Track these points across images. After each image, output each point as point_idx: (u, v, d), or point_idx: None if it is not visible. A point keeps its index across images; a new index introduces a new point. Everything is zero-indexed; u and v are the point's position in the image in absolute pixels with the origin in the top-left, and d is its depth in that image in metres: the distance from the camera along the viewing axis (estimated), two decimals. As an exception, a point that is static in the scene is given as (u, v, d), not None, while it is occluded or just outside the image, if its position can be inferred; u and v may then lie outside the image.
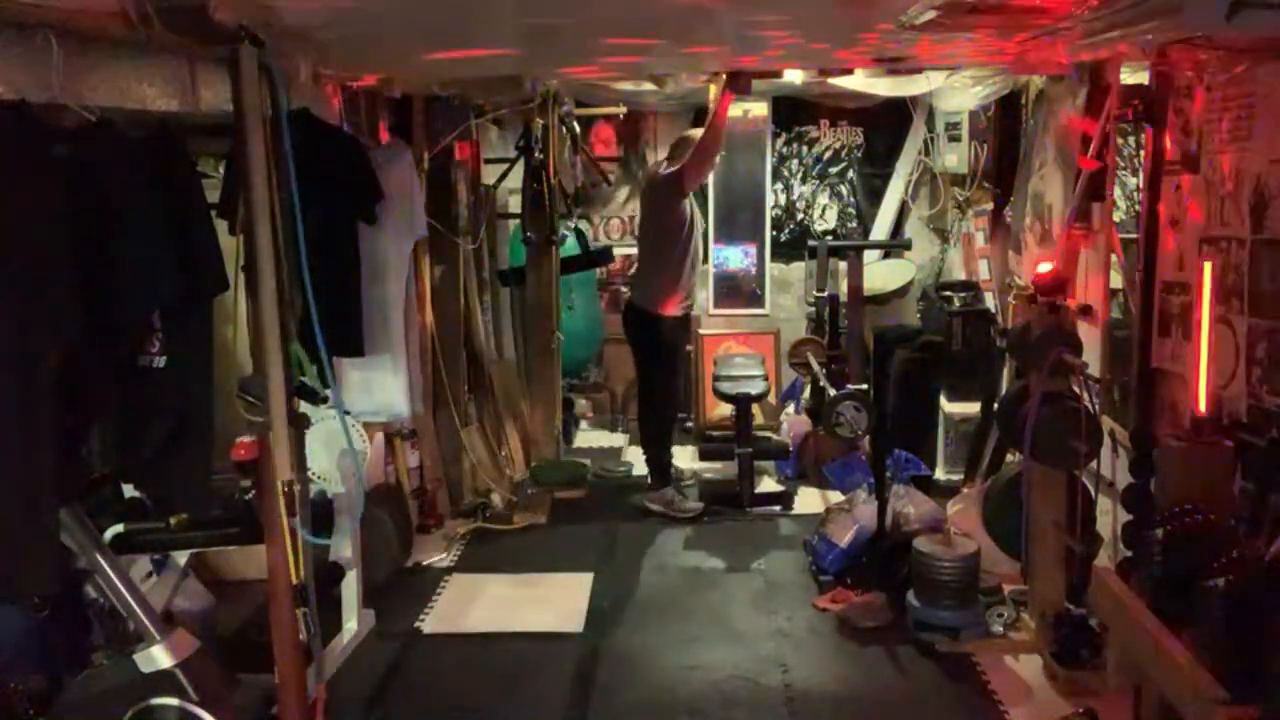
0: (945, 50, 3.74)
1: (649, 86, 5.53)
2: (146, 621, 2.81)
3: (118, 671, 2.82)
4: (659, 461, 5.44)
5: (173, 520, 3.25)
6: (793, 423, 5.97)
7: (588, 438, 6.78)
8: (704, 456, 6.05)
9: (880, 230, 6.93)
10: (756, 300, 7.08)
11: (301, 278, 2.73)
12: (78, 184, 2.34)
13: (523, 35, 3.24)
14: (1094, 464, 3.64)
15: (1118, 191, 4.02)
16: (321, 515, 3.59)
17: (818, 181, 7.06)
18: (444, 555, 4.85)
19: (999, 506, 3.92)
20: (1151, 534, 2.81)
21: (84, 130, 2.42)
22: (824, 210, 7.10)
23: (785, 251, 7.08)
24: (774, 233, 7.04)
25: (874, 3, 2.66)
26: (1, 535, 2.22)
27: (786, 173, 7.06)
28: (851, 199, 7.07)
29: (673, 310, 5.37)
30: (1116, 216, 4.03)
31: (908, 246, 6.57)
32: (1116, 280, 4.05)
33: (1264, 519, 2.80)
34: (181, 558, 3.47)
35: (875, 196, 7.01)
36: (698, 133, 5.41)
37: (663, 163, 5.50)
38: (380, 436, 4.62)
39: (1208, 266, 3.18)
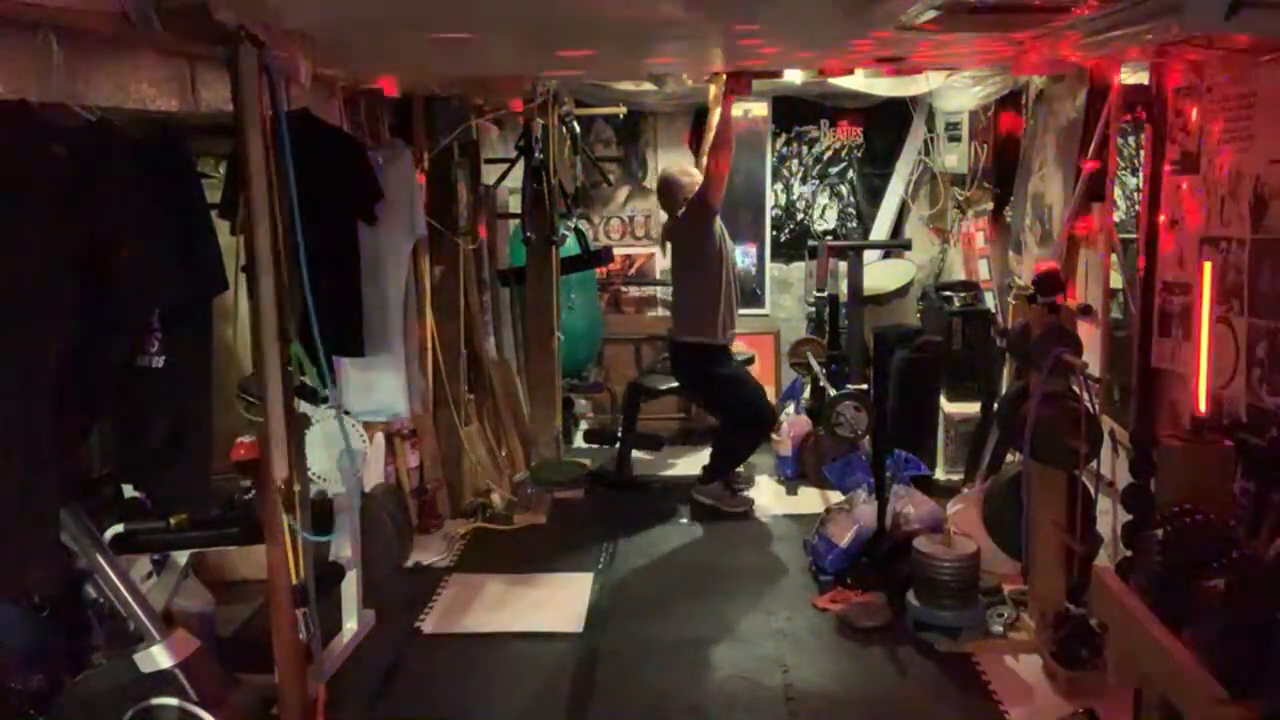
0: (945, 51, 3.74)
1: (649, 86, 5.54)
2: (146, 621, 2.81)
3: (118, 671, 2.82)
4: (724, 468, 5.48)
5: (173, 520, 3.25)
6: (793, 423, 5.98)
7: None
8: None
9: (880, 230, 6.93)
10: (756, 300, 7.08)
11: (301, 278, 2.74)
12: (78, 184, 2.34)
13: (522, 35, 3.25)
14: (1094, 464, 3.64)
15: (1118, 191, 4.01)
16: (321, 515, 3.58)
17: (818, 181, 7.07)
18: (444, 555, 4.85)
19: (999, 506, 3.92)
20: (1151, 534, 2.81)
21: (84, 130, 2.42)
22: (824, 210, 7.10)
23: (785, 251, 7.09)
24: (774, 233, 7.04)
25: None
26: (2, 535, 2.22)
27: (787, 173, 7.06)
28: (851, 199, 7.07)
29: (725, 340, 5.37)
30: (1116, 216, 4.03)
31: (908, 247, 6.57)
32: (1116, 280, 4.05)
33: (1264, 519, 2.80)
34: (181, 558, 3.46)
35: (875, 196, 7.01)
36: (679, 170, 5.53)
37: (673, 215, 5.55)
38: (380, 436, 4.62)
39: (1208, 266, 3.18)
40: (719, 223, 5.29)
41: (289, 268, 2.70)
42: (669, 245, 5.66)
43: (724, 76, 4.95)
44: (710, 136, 5.44)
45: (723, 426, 5.60)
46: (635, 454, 6.04)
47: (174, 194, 2.61)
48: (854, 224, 7.07)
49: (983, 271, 6.11)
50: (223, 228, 2.87)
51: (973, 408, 5.40)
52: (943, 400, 5.67)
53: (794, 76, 5.25)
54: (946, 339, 5.57)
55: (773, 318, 7.07)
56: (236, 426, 3.56)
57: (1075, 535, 3.53)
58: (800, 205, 7.11)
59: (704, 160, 5.48)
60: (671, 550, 4.95)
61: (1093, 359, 3.80)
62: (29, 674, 2.94)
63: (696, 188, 5.29)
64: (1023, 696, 3.51)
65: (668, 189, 5.49)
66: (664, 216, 6.98)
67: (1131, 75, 3.75)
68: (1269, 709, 2.16)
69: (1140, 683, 2.70)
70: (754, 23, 3.09)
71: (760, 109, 6.75)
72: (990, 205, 5.72)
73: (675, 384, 6.13)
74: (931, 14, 2.58)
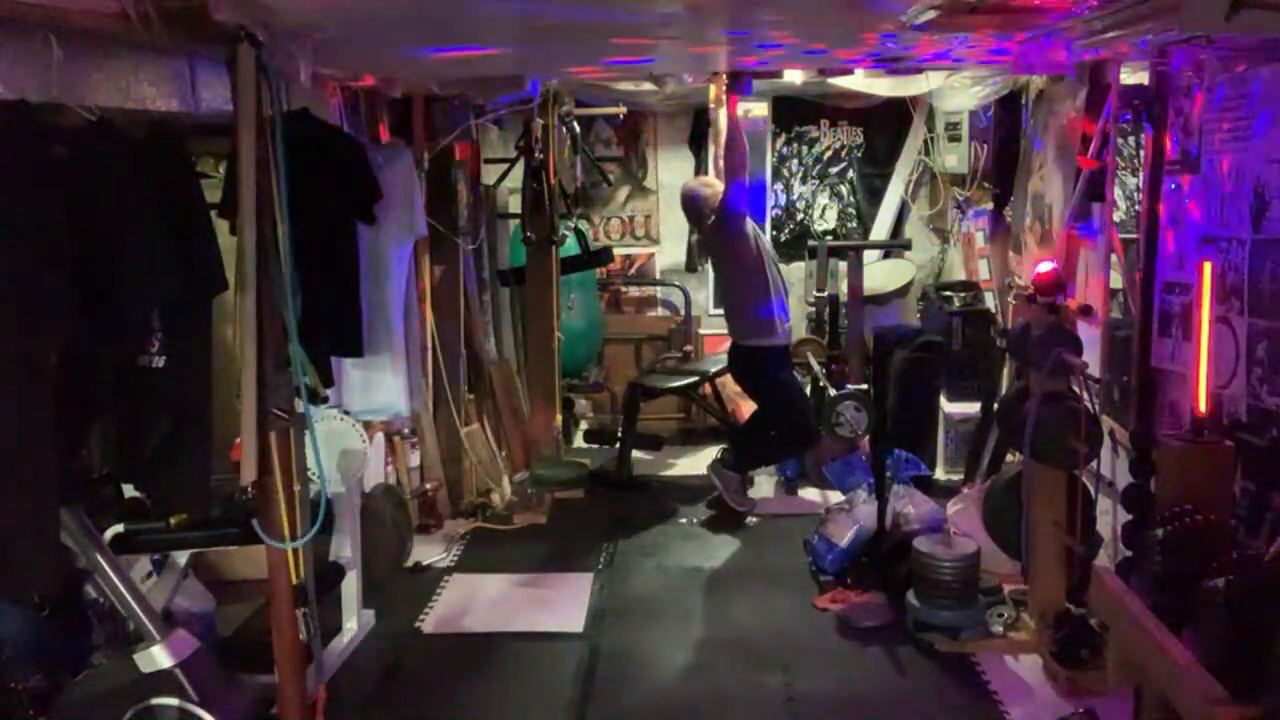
0: (944, 50, 3.74)
1: (649, 86, 5.54)
2: (146, 621, 2.82)
3: (118, 671, 2.82)
4: (749, 458, 5.49)
5: (173, 520, 3.25)
6: (793, 423, 5.96)
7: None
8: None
9: (880, 230, 6.93)
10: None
11: (300, 278, 2.73)
12: (78, 184, 2.34)
13: (523, 35, 3.25)
14: (1094, 464, 3.64)
15: (1118, 191, 4.01)
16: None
17: (818, 181, 7.07)
18: (444, 555, 4.85)
19: (999, 506, 3.92)
20: (1151, 534, 2.81)
21: (84, 130, 2.42)
22: (824, 210, 7.10)
23: (785, 251, 7.08)
24: (774, 233, 7.04)
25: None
26: (2, 535, 2.22)
27: (787, 173, 7.06)
28: (851, 199, 7.07)
29: (780, 339, 5.39)
30: (1116, 216, 4.03)
31: (908, 247, 6.57)
32: (1116, 280, 4.05)
33: (1264, 519, 2.80)
34: (181, 558, 3.47)
35: (875, 196, 7.01)
36: (699, 182, 5.53)
37: (702, 227, 5.57)
38: (380, 436, 4.61)
39: (1208, 266, 3.18)
40: (750, 223, 5.28)
41: (287, 268, 2.70)
42: (707, 257, 5.65)
43: (724, 77, 4.95)
44: (721, 141, 5.44)
45: (770, 428, 5.53)
46: (635, 454, 6.04)
47: (174, 194, 2.60)
48: (854, 224, 7.07)
49: (983, 271, 6.11)
50: (223, 228, 2.87)
51: (973, 408, 5.40)
52: (943, 400, 5.67)
53: (794, 76, 5.25)
54: (946, 339, 5.57)
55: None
56: (237, 426, 3.56)
57: (1075, 535, 3.53)
58: (800, 205, 7.11)
59: (719, 164, 5.47)
60: (672, 550, 4.95)
61: (1093, 359, 3.80)
62: (29, 674, 2.95)
63: (719, 197, 5.27)
64: (1023, 696, 3.51)
65: (692, 203, 5.46)
66: (664, 218, 7.06)
67: (1131, 75, 3.75)
68: (1269, 709, 2.16)
69: (1140, 683, 2.71)
70: (752, 24, 3.09)
71: (760, 109, 6.75)
72: (990, 205, 5.71)
73: (675, 384, 6.14)
74: (931, 14, 2.59)
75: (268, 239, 2.64)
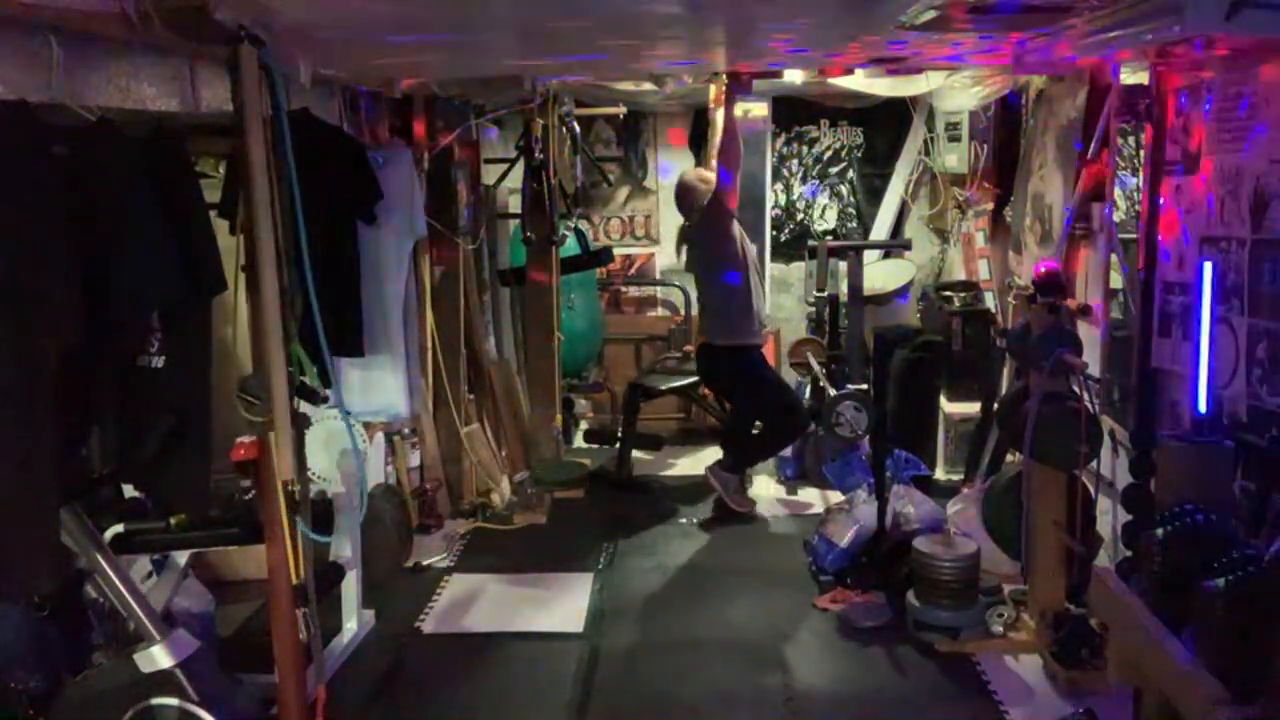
0: (945, 51, 3.74)
1: (649, 86, 5.53)
2: (146, 621, 2.82)
3: (118, 671, 2.82)
4: (745, 457, 5.48)
5: (173, 520, 3.25)
6: (793, 423, 5.96)
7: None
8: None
9: (880, 230, 6.94)
10: (756, 300, 7.07)
11: (302, 277, 2.74)
12: (77, 184, 2.34)
13: (522, 37, 3.25)
14: (1094, 464, 3.64)
15: (1118, 191, 4.01)
16: (321, 515, 3.58)
17: (818, 181, 7.06)
18: (444, 555, 4.85)
19: (999, 506, 3.92)
20: (1151, 534, 2.81)
21: (84, 130, 2.42)
22: (824, 210, 7.10)
23: (785, 251, 7.09)
24: (774, 233, 7.04)
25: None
26: (2, 535, 2.22)
27: (786, 173, 7.06)
28: (851, 199, 7.07)
29: (758, 339, 5.39)
30: (1116, 216, 4.03)
31: (908, 247, 6.58)
32: (1117, 280, 4.05)
33: (1264, 519, 2.80)
34: (181, 558, 3.46)
35: (875, 196, 7.01)
36: (696, 176, 5.50)
37: (690, 220, 5.55)
38: (380, 436, 4.61)
39: (1208, 266, 3.18)
40: (737, 225, 5.27)
41: (289, 268, 2.70)
42: (688, 250, 5.64)
43: (724, 77, 4.95)
44: (716, 139, 5.44)
45: (755, 423, 5.54)
46: (635, 454, 6.04)
47: (174, 194, 2.60)
48: (854, 224, 7.07)
49: (983, 271, 6.11)
50: (223, 227, 2.87)
51: (973, 408, 5.40)
52: (943, 400, 5.67)
53: (794, 76, 5.25)
54: (946, 339, 5.57)
55: (773, 317, 7.07)
56: (236, 426, 3.56)
57: (1075, 535, 3.53)
58: (800, 205, 7.11)
59: (713, 163, 5.48)
60: (672, 550, 4.95)
61: (1093, 359, 3.81)
62: (29, 674, 2.95)
63: (711, 194, 5.27)
64: (1023, 696, 3.51)
65: (685, 195, 5.46)
66: (664, 218, 7.05)
67: (1131, 75, 3.75)
68: (1269, 709, 2.16)
69: (1140, 683, 2.70)
70: (753, 23, 3.09)
71: (760, 109, 6.75)
72: (990, 205, 5.71)
73: (675, 384, 6.14)
74: (931, 14, 2.59)
75: (277, 238, 2.64)
